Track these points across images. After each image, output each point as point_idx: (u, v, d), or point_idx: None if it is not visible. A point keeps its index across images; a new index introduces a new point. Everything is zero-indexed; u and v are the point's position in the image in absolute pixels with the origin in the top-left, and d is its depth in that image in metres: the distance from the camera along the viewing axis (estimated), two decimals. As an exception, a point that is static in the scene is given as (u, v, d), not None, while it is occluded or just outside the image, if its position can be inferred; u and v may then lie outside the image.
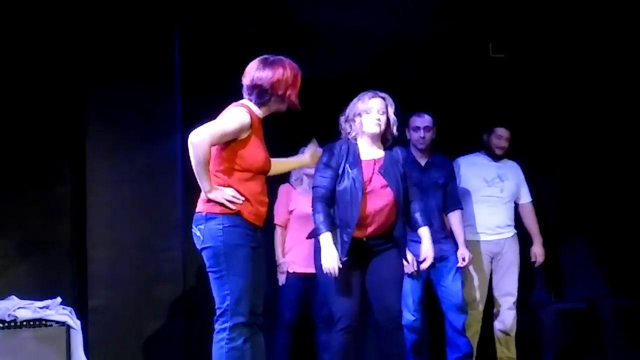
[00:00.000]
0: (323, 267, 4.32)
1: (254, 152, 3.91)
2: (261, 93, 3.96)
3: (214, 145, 3.84)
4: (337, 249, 4.31)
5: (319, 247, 4.34)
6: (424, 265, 4.63)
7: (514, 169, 5.81)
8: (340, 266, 4.29)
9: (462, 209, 5.45)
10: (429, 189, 5.35)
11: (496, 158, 5.75)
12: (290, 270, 5.40)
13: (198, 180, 3.85)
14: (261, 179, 3.99)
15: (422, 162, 5.43)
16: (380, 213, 4.38)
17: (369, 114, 4.45)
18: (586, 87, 6.56)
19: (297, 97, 4.01)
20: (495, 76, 6.48)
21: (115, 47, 5.29)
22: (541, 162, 6.55)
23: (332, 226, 4.37)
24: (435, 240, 5.26)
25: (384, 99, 4.48)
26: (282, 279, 5.44)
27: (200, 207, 3.92)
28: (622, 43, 6.35)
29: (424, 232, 4.53)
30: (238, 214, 3.85)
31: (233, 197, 3.85)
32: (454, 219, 5.41)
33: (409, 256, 4.71)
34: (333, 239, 4.32)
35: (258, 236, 3.97)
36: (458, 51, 6.37)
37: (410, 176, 4.54)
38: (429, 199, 5.31)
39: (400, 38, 6.18)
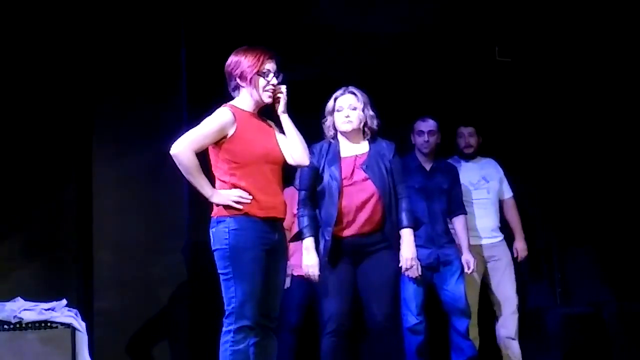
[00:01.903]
0: (304, 272, 4.37)
1: (247, 144, 3.90)
2: (229, 81, 4.02)
3: (199, 150, 3.86)
4: (320, 249, 4.33)
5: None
6: (410, 274, 4.56)
7: (494, 167, 5.79)
8: (319, 273, 4.32)
9: (466, 213, 5.42)
10: (434, 194, 5.33)
11: (465, 158, 5.74)
12: (295, 274, 5.39)
13: (198, 188, 3.87)
14: (270, 169, 3.95)
15: (427, 166, 5.41)
16: (362, 208, 4.35)
17: (340, 112, 4.46)
18: (592, 91, 6.55)
19: (266, 83, 3.96)
20: (501, 80, 6.48)
21: (122, 51, 5.31)
22: (547, 166, 6.55)
23: (316, 228, 4.38)
24: (438, 245, 5.29)
25: (354, 94, 4.47)
26: (286, 282, 5.42)
27: (213, 210, 3.95)
28: (626, 46, 6.35)
29: (405, 233, 4.42)
30: (246, 214, 3.84)
31: (240, 197, 3.84)
32: (458, 223, 5.39)
33: (413, 261, 4.64)
34: (317, 240, 4.35)
35: (275, 234, 3.93)
36: (464, 55, 6.37)
37: (398, 172, 4.47)
38: (434, 204, 5.31)
39: (406, 41, 6.18)
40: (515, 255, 5.76)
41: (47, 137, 5.41)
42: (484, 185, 5.69)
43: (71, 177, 5.45)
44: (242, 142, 3.89)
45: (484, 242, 5.62)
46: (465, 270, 5.32)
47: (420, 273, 5.04)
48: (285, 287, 5.39)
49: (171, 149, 3.84)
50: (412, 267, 4.45)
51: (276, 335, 4.01)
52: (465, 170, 5.66)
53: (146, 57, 5.33)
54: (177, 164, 3.85)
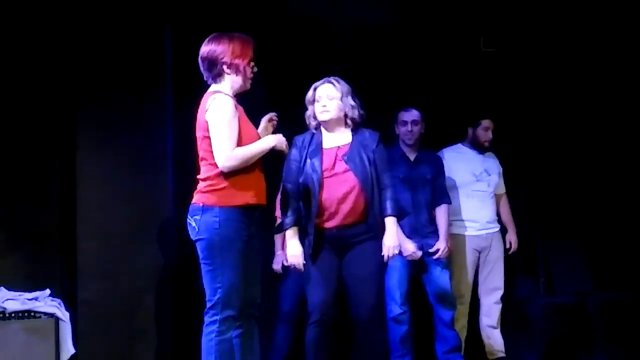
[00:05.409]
0: (288, 262, 4.37)
1: (243, 131, 3.95)
2: (211, 67, 4.01)
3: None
4: (304, 242, 4.33)
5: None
6: (388, 256, 4.53)
7: (495, 161, 5.82)
8: (304, 262, 4.31)
9: (449, 203, 5.44)
10: (418, 184, 5.35)
11: (482, 151, 5.75)
12: (286, 264, 5.36)
13: (261, 152, 3.94)
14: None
15: (412, 157, 5.42)
16: (344, 200, 4.33)
17: (318, 102, 4.44)
18: (577, 82, 6.57)
19: (250, 72, 4.04)
20: (486, 70, 6.49)
21: (106, 43, 5.26)
22: (531, 157, 6.56)
23: (299, 220, 4.36)
24: (422, 235, 5.32)
25: (332, 83, 4.44)
26: (276, 268, 5.41)
27: (197, 198, 3.93)
28: (612, 38, 6.37)
29: (389, 221, 4.38)
30: (235, 205, 3.87)
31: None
32: (440, 212, 5.40)
33: (396, 249, 4.58)
34: (301, 232, 4.34)
35: (252, 226, 3.97)
36: (449, 45, 6.37)
37: (382, 162, 4.43)
38: (418, 194, 5.33)
39: (391, 32, 6.18)
40: (507, 247, 5.79)
41: (31, 128, 5.36)
42: (485, 178, 5.70)
43: (55, 167, 5.41)
44: (241, 130, 3.91)
45: (481, 232, 5.65)
46: (436, 255, 5.31)
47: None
48: (275, 271, 5.39)
49: (223, 167, 3.87)
50: (394, 256, 4.43)
51: (258, 323, 4.05)
52: (469, 160, 5.68)
53: (130, 49, 5.29)
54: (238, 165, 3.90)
